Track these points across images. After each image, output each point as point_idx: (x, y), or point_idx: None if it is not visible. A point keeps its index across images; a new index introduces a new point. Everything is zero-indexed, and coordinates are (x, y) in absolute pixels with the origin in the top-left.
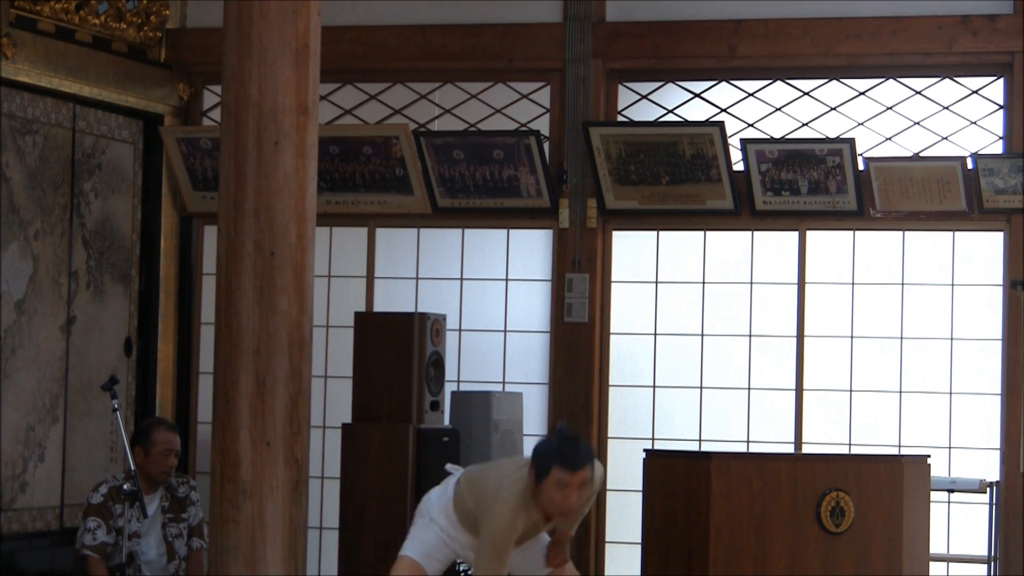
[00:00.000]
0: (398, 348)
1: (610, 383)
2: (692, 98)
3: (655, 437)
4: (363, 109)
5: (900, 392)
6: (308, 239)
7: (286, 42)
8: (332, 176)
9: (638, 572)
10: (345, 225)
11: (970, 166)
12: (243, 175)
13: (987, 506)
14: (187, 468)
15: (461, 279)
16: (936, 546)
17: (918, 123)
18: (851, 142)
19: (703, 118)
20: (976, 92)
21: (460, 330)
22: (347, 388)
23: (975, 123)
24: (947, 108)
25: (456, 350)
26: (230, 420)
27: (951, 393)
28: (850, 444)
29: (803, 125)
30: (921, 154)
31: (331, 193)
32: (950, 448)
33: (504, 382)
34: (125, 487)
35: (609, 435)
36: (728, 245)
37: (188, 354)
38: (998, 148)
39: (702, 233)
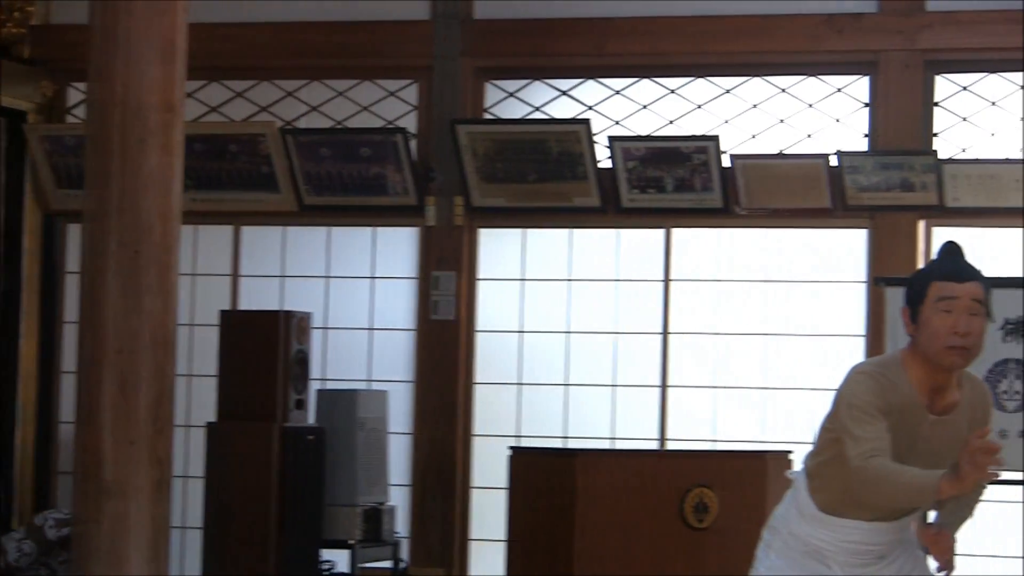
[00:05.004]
0: (263, 346)
1: (475, 380)
2: (559, 96)
3: (520, 435)
4: (230, 106)
5: (765, 388)
6: (173, 237)
7: (152, 39)
8: (198, 174)
9: (503, 570)
10: (210, 223)
11: (834, 164)
12: (108, 173)
13: None
14: (49, 468)
15: (327, 277)
16: None
17: (783, 121)
18: (716, 140)
19: (570, 116)
20: (841, 90)
21: (326, 328)
22: (212, 387)
23: (839, 121)
24: (812, 106)
25: (321, 348)
26: (93, 419)
27: (815, 389)
28: (714, 441)
29: (670, 123)
30: (786, 152)
31: (197, 191)
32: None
33: (369, 380)
34: None
35: (474, 432)
36: (594, 243)
37: (51, 353)
38: (862, 146)
39: (568, 231)
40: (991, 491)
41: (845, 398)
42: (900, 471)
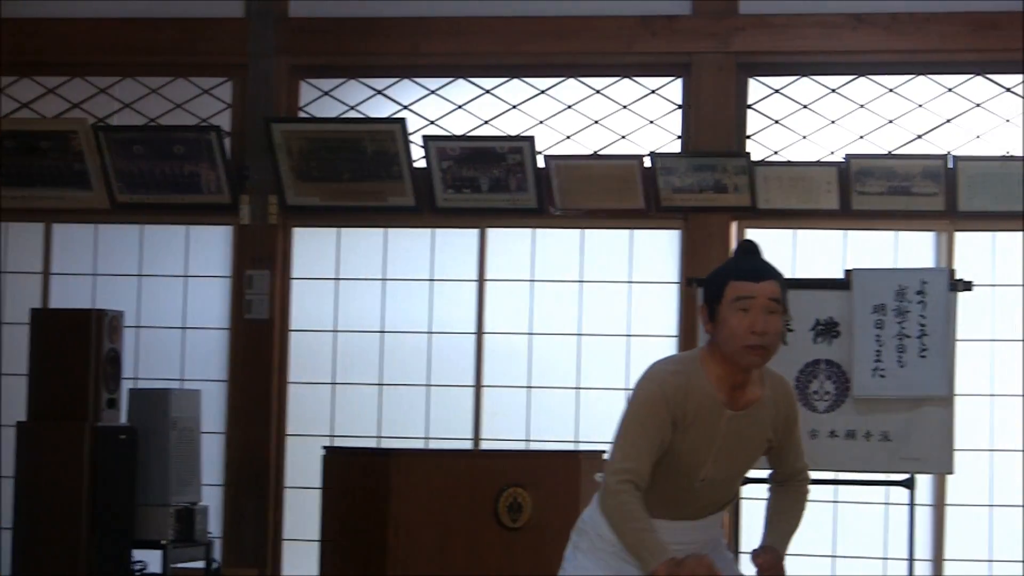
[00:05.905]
0: (74, 345)
1: (289, 380)
2: (374, 95)
3: (335, 434)
4: (41, 103)
5: (578, 388)
6: None
7: None
8: (9, 170)
9: (316, 570)
10: (21, 220)
11: (648, 165)
12: None
13: None
14: None
15: (140, 276)
16: None
17: (598, 122)
18: (531, 140)
19: (385, 115)
20: (655, 92)
21: (138, 327)
22: (22, 386)
23: (653, 122)
24: (626, 107)
25: (134, 347)
26: None
27: (628, 389)
28: (528, 440)
29: (485, 123)
30: (601, 152)
31: (7, 188)
32: None
33: (182, 379)
34: None
35: (288, 432)
36: (409, 242)
37: None
38: (676, 147)
39: (383, 230)
40: None
41: (631, 403)
42: (637, 524)
